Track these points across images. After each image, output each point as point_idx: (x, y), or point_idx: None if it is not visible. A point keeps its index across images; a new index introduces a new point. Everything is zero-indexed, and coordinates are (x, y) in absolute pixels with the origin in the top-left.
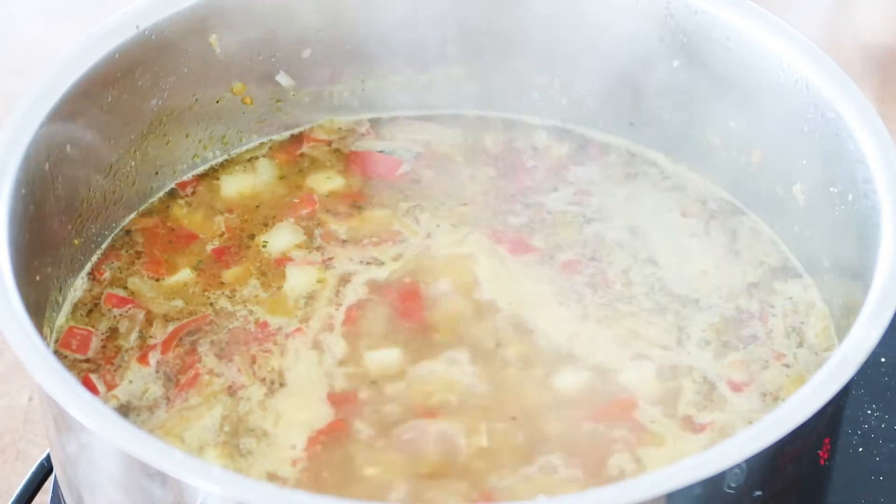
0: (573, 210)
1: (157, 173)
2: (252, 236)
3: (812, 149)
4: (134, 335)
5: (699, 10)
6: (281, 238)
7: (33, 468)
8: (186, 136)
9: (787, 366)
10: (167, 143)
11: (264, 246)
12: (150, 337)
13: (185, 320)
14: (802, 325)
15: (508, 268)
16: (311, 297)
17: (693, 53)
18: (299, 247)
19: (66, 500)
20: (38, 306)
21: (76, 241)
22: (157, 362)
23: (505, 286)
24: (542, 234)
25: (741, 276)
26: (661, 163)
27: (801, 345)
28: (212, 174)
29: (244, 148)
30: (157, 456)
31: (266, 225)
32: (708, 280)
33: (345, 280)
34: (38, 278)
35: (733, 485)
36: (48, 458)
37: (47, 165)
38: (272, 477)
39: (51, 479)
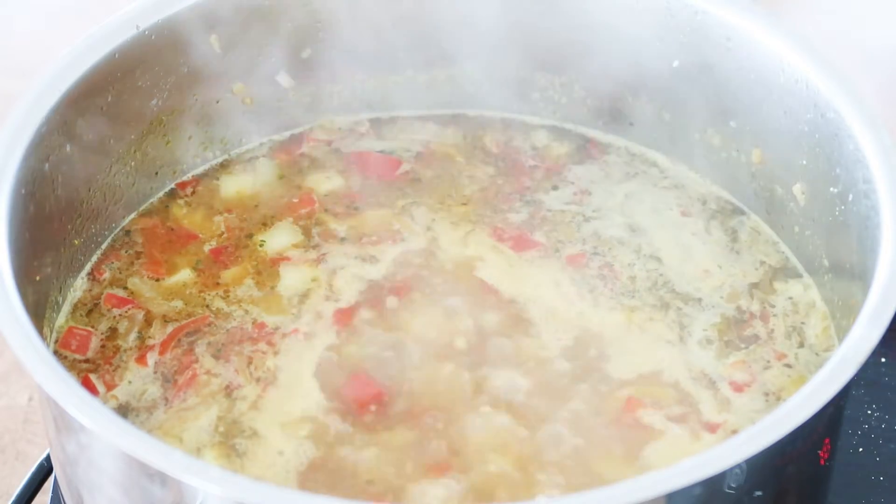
0: (573, 209)
1: (157, 173)
2: (250, 236)
3: (812, 149)
4: (133, 335)
5: (699, 10)
6: (279, 238)
7: (33, 468)
8: (187, 137)
9: (789, 366)
10: (167, 143)
11: (261, 245)
12: (149, 337)
13: (185, 321)
14: (803, 326)
15: (513, 263)
16: (304, 296)
17: (693, 53)
18: (296, 246)
19: (66, 500)
20: (38, 306)
21: (76, 241)
22: (155, 363)
23: (513, 281)
24: (543, 230)
25: (742, 276)
26: (661, 163)
27: (801, 345)
28: (211, 174)
29: (244, 148)
30: (157, 456)
31: (265, 224)
32: (710, 280)
33: (340, 278)
34: (38, 278)
35: (733, 485)
36: (48, 458)
37: (47, 165)
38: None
39: (51, 479)
